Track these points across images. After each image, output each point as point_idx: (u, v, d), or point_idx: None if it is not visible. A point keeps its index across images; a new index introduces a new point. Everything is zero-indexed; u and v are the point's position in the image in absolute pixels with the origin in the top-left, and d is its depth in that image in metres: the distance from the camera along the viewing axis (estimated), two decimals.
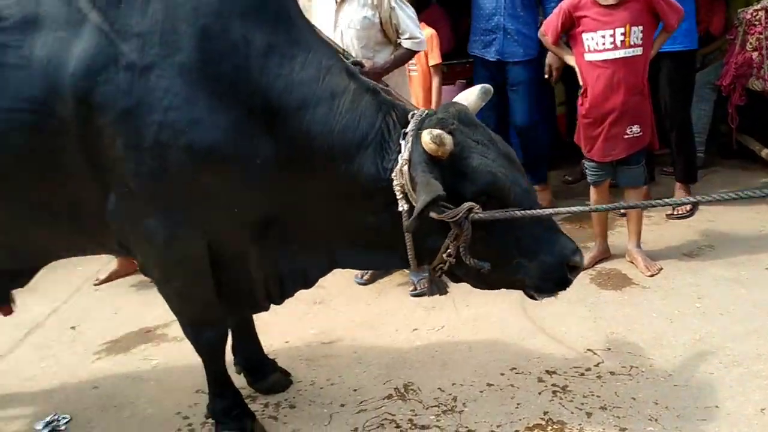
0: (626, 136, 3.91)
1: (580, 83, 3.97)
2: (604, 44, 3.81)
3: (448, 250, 2.28)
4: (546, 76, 4.84)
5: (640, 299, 3.81)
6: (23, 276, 2.92)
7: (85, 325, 4.20)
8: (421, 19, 5.90)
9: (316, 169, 2.40)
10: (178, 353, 3.59)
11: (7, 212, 2.47)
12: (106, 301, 4.51)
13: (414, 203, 2.22)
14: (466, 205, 2.19)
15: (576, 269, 2.38)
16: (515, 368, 3.22)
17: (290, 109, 2.34)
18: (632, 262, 4.18)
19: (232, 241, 2.56)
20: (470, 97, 2.56)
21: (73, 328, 4.18)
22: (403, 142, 2.31)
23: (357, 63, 3.45)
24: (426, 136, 2.20)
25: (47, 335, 4.10)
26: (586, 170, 4.20)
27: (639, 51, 3.81)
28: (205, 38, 2.28)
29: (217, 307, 2.71)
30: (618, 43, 3.78)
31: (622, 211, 4.57)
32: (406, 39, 3.99)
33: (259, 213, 2.50)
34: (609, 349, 3.32)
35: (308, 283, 2.75)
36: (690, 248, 4.41)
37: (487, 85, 2.61)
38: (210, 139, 2.27)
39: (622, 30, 3.76)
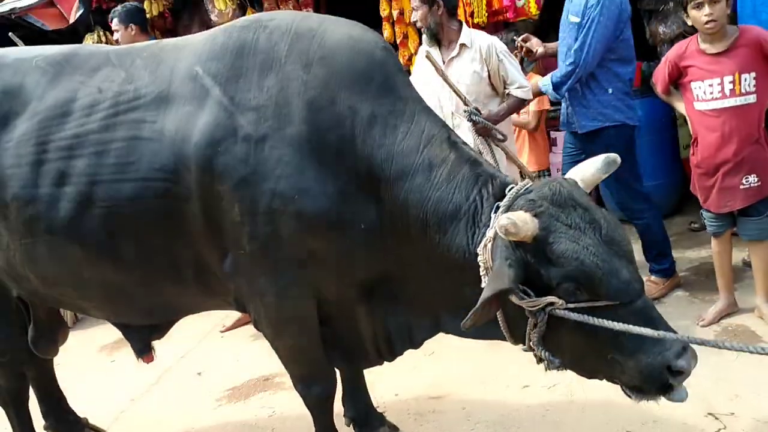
0: (743, 187, 3.72)
1: (691, 133, 3.84)
2: (712, 93, 3.68)
3: (530, 338, 2.20)
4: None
5: None
6: (162, 329, 3.17)
7: (210, 371, 4.44)
8: (538, 64, 5.97)
9: (413, 238, 2.45)
10: (293, 403, 3.69)
11: (144, 272, 2.72)
12: (229, 348, 4.77)
13: None
14: (548, 298, 2.07)
15: (681, 374, 2.09)
16: None
17: (391, 178, 2.42)
18: (761, 318, 3.93)
19: (341, 300, 2.67)
20: (589, 168, 2.35)
21: (199, 374, 4.44)
22: (493, 216, 2.26)
23: (476, 110, 3.55)
24: (503, 220, 2.07)
25: (176, 380, 4.38)
26: (705, 220, 4.03)
27: (752, 99, 3.64)
28: (313, 110, 2.42)
29: (326, 364, 2.82)
30: (727, 92, 3.64)
31: (748, 260, 4.32)
32: (515, 88, 4.08)
33: (364, 274, 2.60)
34: (732, 413, 3.13)
35: (415, 343, 2.80)
36: None
37: (613, 155, 2.35)
38: (317, 207, 2.40)
39: (730, 78, 3.61)
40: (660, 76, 3.96)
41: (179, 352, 4.77)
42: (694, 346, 2.07)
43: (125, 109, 2.58)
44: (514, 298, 2.09)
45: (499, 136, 3.57)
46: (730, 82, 3.63)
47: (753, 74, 3.62)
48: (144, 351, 3.19)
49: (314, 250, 2.49)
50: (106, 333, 5.13)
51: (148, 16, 6.48)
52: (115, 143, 2.56)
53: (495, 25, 5.37)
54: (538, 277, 2.10)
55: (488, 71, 4.08)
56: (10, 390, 3.33)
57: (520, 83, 4.09)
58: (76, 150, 2.59)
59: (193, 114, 2.50)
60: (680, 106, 3.97)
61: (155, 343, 3.24)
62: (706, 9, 3.56)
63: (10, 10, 6.81)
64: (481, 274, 2.24)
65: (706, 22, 3.58)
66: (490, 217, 2.29)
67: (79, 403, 3.82)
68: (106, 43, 6.72)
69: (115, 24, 5.22)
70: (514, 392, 3.60)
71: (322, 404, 2.88)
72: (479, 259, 2.25)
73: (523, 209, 2.14)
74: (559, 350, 2.20)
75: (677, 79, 3.88)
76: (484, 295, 2.05)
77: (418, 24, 4.17)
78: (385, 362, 2.92)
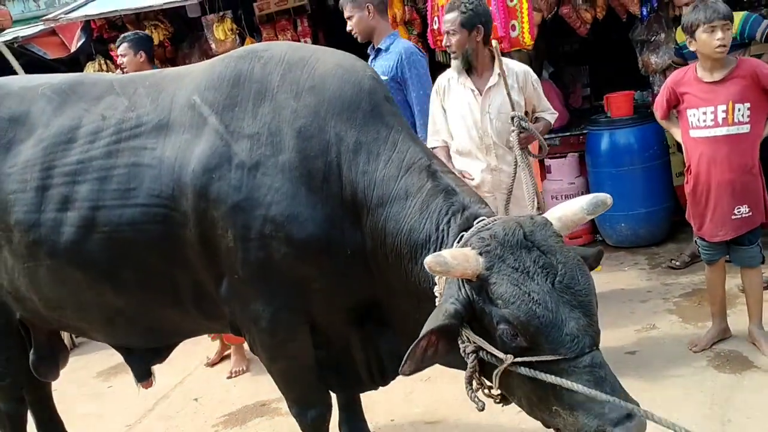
0: (734, 217, 3.75)
1: (684, 160, 3.90)
2: (705, 121, 3.73)
3: (470, 375, 2.07)
4: None
5: (761, 384, 3.59)
6: (161, 353, 3.21)
7: (207, 396, 4.45)
8: None
9: (392, 266, 2.47)
10: (290, 428, 3.72)
11: (144, 296, 2.77)
12: (226, 375, 4.76)
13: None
14: (480, 343, 2.01)
15: None
16: None
17: (372, 205, 2.46)
18: (754, 344, 3.96)
19: (333, 324, 2.72)
20: (572, 207, 2.21)
21: (195, 399, 4.44)
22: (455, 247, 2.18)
23: (524, 118, 3.55)
24: (429, 258, 1.98)
25: (172, 407, 4.38)
26: (699, 248, 4.07)
27: (745, 129, 3.68)
28: (302, 138, 2.49)
29: (321, 388, 2.85)
30: (720, 121, 3.69)
31: (743, 287, 4.35)
32: (549, 114, 4.14)
33: (354, 298, 2.64)
34: None
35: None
36: None
37: (603, 195, 2.20)
38: (307, 232, 2.45)
39: (724, 107, 3.66)
40: (659, 102, 4.04)
41: (176, 379, 4.77)
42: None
43: (127, 136, 2.65)
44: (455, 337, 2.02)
45: (545, 147, 3.68)
46: (723, 111, 3.68)
47: (747, 105, 3.66)
48: (144, 376, 3.21)
49: (305, 274, 2.53)
50: (104, 359, 5.15)
51: None
52: (117, 169, 2.63)
53: None
54: (482, 317, 2.03)
55: (525, 99, 4.02)
56: (10, 414, 3.35)
57: (550, 108, 4.16)
58: (80, 176, 2.66)
59: (190, 142, 2.57)
60: (677, 133, 4.03)
61: (154, 369, 3.27)
62: (719, 34, 3.59)
63: (13, 39, 6.92)
64: (436, 304, 2.15)
65: (718, 47, 3.62)
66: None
67: (76, 428, 3.83)
68: (107, 71, 6.82)
69: (123, 49, 5.26)
70: (508, 417, 3.58)
71: (318, 428, 2.90)
72: (435, 290, 2.20)
73: (472, 246, 2.07)
74: (509, 392, 2.12)
75: (675, 106, 3.95)
76: (422, 332, 1.99)
77: (452, 50, 4.02)
78: (380, 387, 2.95)
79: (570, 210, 2.19)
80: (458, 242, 2.19)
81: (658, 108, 4.08)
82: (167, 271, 2.67)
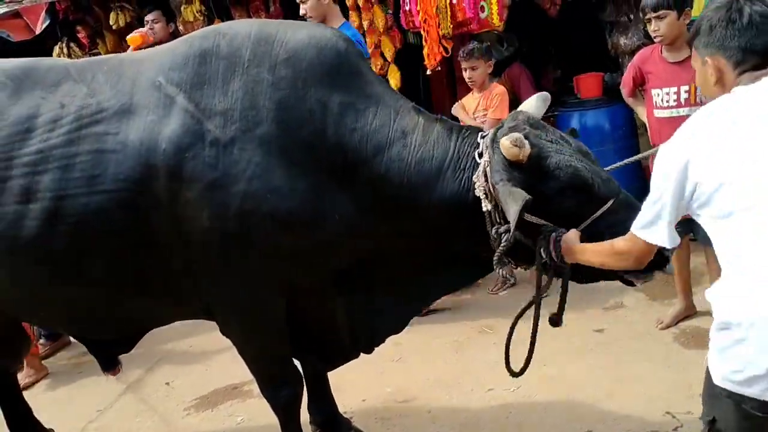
0: None
1: (650, 140, 3.95)
2: (668, 101, 3.78)
3: (542, 256, 2.30)
4: None
5: None
6: (129, 342, 3.17)
7: (178, 380, 4.44)
8: (503, 77, 6.07)
9: (400, 209, 2.52)
10: (262, 411, 3.71)
11: (113, 287, 2.71)
12: (198, 357, 4.76)
13: (498, 202, 2.29)
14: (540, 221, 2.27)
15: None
16: (591, 431, 3.18)
17: (368, 157, 2.49)
18: None
19: (315, 294, 2.73)
20: (531, 104, 2.60)
21: (167, 383, 4.43)
22: (484, 148, 2.41)
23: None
24: (506, 141, 2.24)
25: (144, 390, 4.37)
26: None
27: None
28: (282, 109, 2.47)
29: (293, 366, 2.87)
30: (682, 101, 3.74)
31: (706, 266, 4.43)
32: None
33: (341, 264, 2.66)
34: (690, 412, 3.20)
35: (399, 328, 2.92)
36: None
37: (545, 93, 2.65)
38: (290, 204, 2.45)
39: (686, 87, 3.71)
40: (626, 80, 4.10)
41: (148, 362, 4.75)
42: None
43: (88, 122, 2.57)
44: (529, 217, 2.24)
45: None
46: (686, 92, 3.72)
47: None
48: (110, 365, 3.19)
49: (288, 247, 2.52)
50: (73, 343, 5.10)
51: (114, 27, 6.50)
52: (79, 157, 2.54)
53: (461, 36, 5.44)
54: (537, 192, 2.23)
55: None
56: None
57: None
58: (40, 166, 2.56)
59: (157, 123, 2.52)
60: (642, 113, 4.09)
61: (122, 356, 3.24)
62: (653, 25, 3.71)
63: None
64: (481, 198, 2.38)
65: (654, 37, 3.76)
66: (474, 159, 2.43)
67: (46, 414, 3.80)
68: (69, 55, 6.69)
69: (155, 15, 5.20)
70: (479, 395, 3.66)
71: (290, 408, 2.92)
72: (476, 185, 2.39)
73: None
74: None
75: (641, 85, 3.99)
76: (513, 218, 2.15)
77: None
78: (349, 363, 2.98)
79: (531, 108, 2.56)
80: (487, 145, 2.40)
81: (625, 85, 4.14)
82: (137, 259, 2.61)
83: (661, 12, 3.64)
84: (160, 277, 2.66)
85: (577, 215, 2.27)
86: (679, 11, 3.67)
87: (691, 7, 3.79)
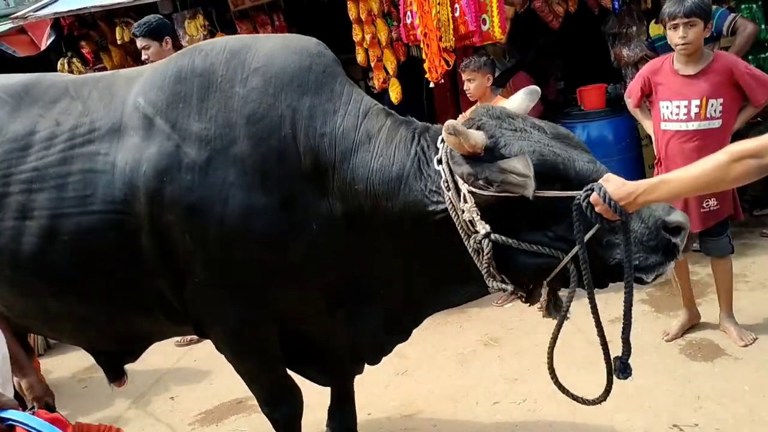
0: (702, 210, 3.79)
1: (655, 152, 3.94)
2: (678, 115, 3.73)
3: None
4: None
5: (731, 371, 3.66)
6: (134, 353, 3.16)
7: (183, 395, 4.43)
8: (508, 86, 6.07)
9: (370, 217, 2.41)
10: (266, 425, 3.69)
11: (110, 304, 2.70)
12: (203, 371, 4.75)
13: (461, 189, 2.15)
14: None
15: (679, 229, 2.07)
16: None
17: (336, 162, 2.40)
18: (725, 332, 4.02)
19: (308, 309, 2.67)
20: (515, 99, 2.42)
21: (172, 398, 4.42)
22: (440, 147, 2.26)
23: None
24: (443, 132, 2.09)
25: (149, 406, 4.36)
26: None
27: (716, 124, 3.69)
28: (252, 122, 2.40)
29: (290, 384, 2.85)
30: (692, 115, 3.69)
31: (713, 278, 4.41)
32: None
33: (328, 276, 2.57)
34: (696, 425, 3.20)
35: (406, 333, 2.82)
36: None
37: (534, 87, 2.46)
38: (266, 221, 2.39)
39: (697, 102, 3.67)
40: (633, 90, 4.05)
41: (153, 377, 4.75)
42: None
43: (81, 141, 2.56)
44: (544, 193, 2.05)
45: None
46: (696, 106, 3.68)
47: (720, 100, 3.67)
48: (116, 376, 3.18)
49: (270, 265, 2.46)
50: (78, 359, 5.10)
51: (119, 42, 6.51)
52: (72, 176, 2.53)
53: (464, 49, 5.46)
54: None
55: None
56: None
57: None
58: (36, 183, 2.56)
59: (139, 145, 2.48)
60: (647, 124, 4.05)
61: (128, 368, 3.24)
62: (680, 31, 3.62)
63: None
64: (443, 192, 2.22)
65: (679, 44, 3.65)
66: (435, 164, 2.29)
67: None
68: (70, 71, 6.71)
69: (143, 42, 4.74)
70: (484, 408, 3.65)
71: (289, 425, 2.89)
72: (442, 180, 2.22)
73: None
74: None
75: (648, 96, 3.96)
76: (524, 175, 1.99)
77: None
78: (357, 376, 2.96)
79: (515, 101, 2.40)
80: (436, 152, 2.27)
81: (632, 95, 4.08)
82: (130, 278, 2.59)
83: (693, 19, 3.58)
84: (153, 296, 2.64)
85: (557, 206, 2.06)
86: (705, 23, 3.64)
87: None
